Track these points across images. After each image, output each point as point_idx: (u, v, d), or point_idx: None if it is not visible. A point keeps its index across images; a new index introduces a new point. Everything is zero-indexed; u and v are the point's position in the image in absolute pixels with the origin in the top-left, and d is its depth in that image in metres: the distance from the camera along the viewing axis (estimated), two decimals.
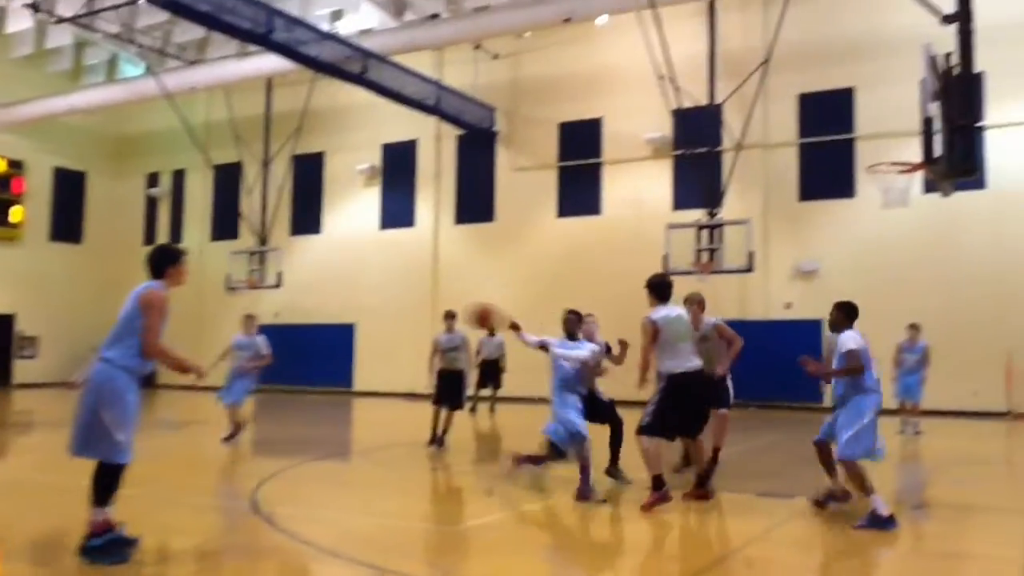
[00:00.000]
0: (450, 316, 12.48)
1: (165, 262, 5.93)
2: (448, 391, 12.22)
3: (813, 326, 18.49)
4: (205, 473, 10.41)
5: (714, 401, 8.71)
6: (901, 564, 6.50)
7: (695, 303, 9.18)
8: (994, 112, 18.38)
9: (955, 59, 9.81)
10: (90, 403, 5.58)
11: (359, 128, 26.18)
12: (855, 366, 7.14)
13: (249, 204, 26.33)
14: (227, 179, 27.19)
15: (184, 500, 8.23)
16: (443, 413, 12.16)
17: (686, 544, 7.04)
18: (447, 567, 6.15)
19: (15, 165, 27.92)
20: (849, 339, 7.28)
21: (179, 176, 29.80)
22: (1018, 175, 18.54)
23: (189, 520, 7.27)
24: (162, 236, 29.67)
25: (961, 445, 13.67)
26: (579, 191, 23.21)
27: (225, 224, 28.12)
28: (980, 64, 10.33)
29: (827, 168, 20.51)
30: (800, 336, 18.64)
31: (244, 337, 12.72)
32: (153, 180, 30.33)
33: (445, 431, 12.10)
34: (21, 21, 23.36)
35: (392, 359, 24.70)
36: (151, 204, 30.38)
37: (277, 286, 24.27)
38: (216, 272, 24.95)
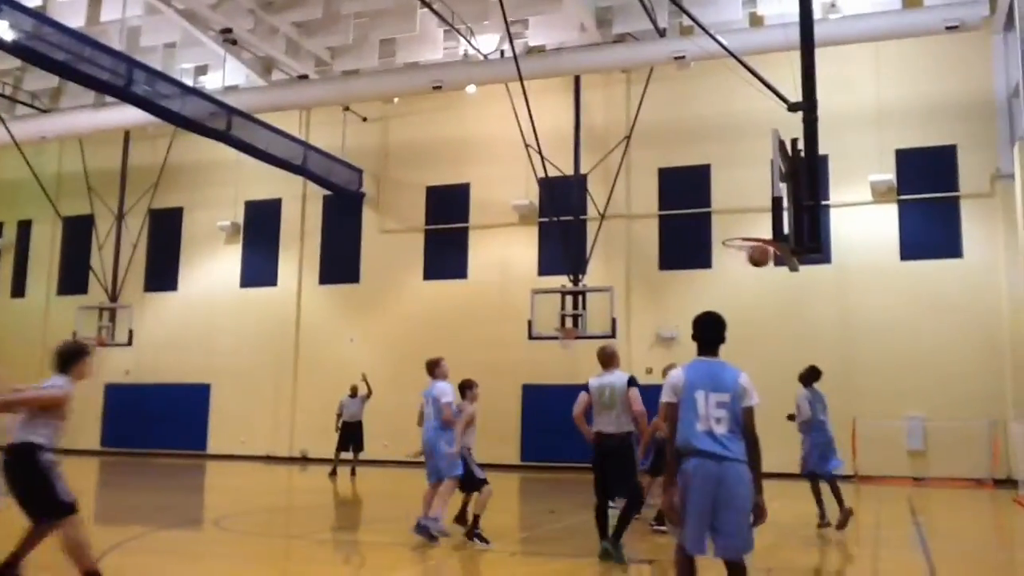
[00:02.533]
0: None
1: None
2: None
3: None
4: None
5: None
6: None
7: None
8: (837, 193, 19.70)
9: (801, 144, 10.43)
10: None
11: (221, 184, 25.54)
12: None
13: (100, 258, 25.25)
14: (78, 232, 25.99)
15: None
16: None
17: None
18: None
19: None
20: None
21: (25, 227, 28.24)
22: (858, 251, 19.77)
23: None
24: (2, 288, 28.00)
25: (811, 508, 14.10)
26: (445, 255, 23.28)
27: (74, 278, 26.75)
28: (823, 148, 11.02)
29: (686, 240, 21.30)
30: (659, 400, 19.03)
31: None
32: None
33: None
34: None
35: (249, 421, 23.93)
36: None
37: (128, 344, 23.43)
38: (62, 327, 23.56)
